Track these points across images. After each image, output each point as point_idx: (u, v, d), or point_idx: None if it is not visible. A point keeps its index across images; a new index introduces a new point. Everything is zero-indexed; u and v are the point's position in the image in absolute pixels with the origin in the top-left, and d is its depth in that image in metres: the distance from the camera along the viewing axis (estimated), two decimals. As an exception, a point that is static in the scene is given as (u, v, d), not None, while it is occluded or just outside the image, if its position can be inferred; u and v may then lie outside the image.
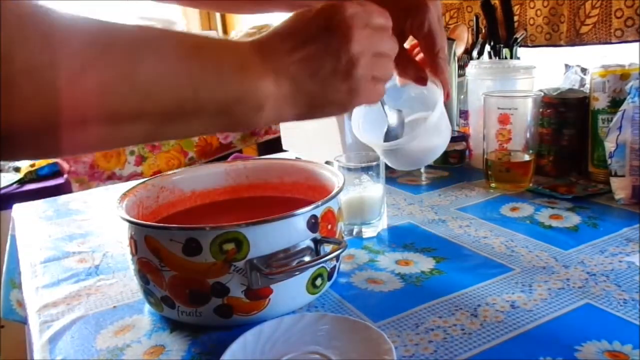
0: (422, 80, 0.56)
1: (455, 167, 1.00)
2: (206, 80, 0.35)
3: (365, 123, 0.60)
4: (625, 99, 0.75)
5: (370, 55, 0.42)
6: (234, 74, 0.36)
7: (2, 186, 1.64)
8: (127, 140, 0.36)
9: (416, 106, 0.61)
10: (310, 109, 0.41)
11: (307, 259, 0.52)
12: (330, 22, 0.40)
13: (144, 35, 0.33)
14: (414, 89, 0.59)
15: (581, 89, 0.93)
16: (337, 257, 0.58)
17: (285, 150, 1.15)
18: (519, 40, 1.11)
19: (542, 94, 0.85)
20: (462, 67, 1.19)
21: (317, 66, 0.40)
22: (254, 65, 0.38)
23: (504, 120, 0.82)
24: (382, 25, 0.43)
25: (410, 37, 0.55)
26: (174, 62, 0.34)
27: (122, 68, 0.31)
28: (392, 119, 0.57)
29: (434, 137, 0.57)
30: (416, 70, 0.56)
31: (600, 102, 0.81)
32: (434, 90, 0.57)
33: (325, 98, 0.41)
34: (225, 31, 2.76)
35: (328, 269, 0.56)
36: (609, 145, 0.75)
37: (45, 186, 1.66)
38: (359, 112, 0.60)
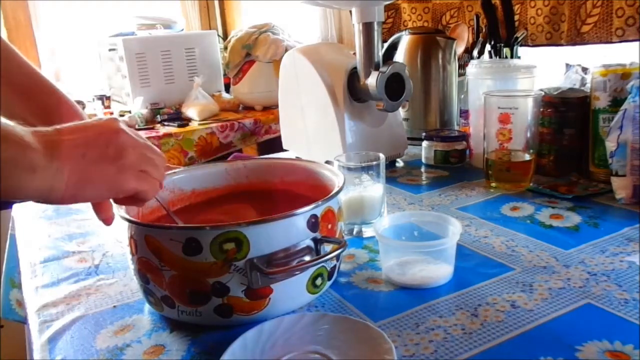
0: None
1: (455, 166, 1.00)
2: None
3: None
4: (626, 98, 0.75)
5: (137, 153, 0.48)
6: (6, 139, 0.40)
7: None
8: None
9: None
10: (80, 184, 0.44)
11: (307, 258, 0.52)
12: (105, 128, 0.47)
13: None
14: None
15: (582, 88, 0.93)
16: (338, 257, 0.58)
17: (285, 150, 1.15)
18: (519, 39, 1.10)
19: (543, 93, 0.85)
20: (462, 66, 1.19)
21: (87, 149, 0.45)
22: (26, 135, 0.41)
23: (504, 119, 0.82)
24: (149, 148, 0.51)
25: None
26: None
27: None
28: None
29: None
30: None
31: (601, 101, 0.81)
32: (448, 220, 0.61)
33: (93, 177, 0.45)
34: (225, 31, 2.76)
35: (328, 269, 0.56)
36: (610, 144, 0.75)
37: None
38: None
